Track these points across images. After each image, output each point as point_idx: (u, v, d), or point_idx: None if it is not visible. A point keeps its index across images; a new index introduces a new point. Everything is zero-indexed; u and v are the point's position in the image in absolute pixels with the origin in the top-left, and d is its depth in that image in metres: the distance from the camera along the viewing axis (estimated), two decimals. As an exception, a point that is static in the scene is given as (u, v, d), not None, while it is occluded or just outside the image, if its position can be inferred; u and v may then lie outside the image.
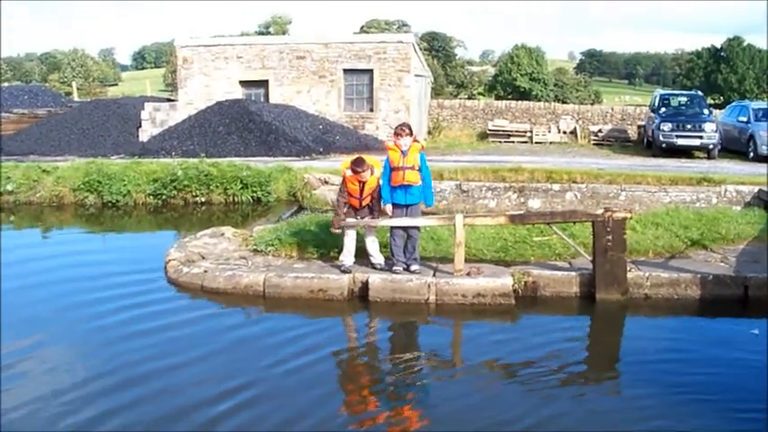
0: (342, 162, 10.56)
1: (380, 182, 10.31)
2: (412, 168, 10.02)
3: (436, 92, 65.93)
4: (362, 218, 10.42)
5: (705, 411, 6.62)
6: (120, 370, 7.54)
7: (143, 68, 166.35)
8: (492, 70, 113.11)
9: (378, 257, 10.57)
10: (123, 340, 8.47)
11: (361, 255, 10.66)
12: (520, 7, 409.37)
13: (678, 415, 6.53)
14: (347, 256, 10.42)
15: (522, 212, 12.35)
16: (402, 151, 10.00)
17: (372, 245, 10.56)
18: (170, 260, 11.19)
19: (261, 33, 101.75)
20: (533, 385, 7.24)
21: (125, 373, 7.45)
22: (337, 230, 10.42)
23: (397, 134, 10.09)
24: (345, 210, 10.33)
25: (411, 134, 10.13)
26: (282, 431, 6.24)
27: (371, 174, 10.17)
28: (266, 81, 29.08)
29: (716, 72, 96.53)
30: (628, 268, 10.06)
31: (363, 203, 10.38)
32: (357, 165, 10.00)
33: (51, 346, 8.38)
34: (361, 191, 10.24)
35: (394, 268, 10.19)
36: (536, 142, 31.95)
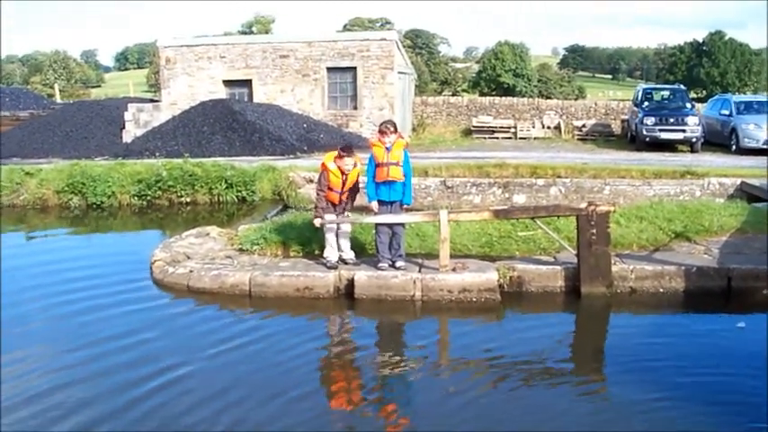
0: (326, 156, 10.54)
1: (362, 178, 10.37)
2: (396, 164, 10.00)
3: (420, 89, 66.01)
4: (338, 215, 10.42)
5: (692, 406, 6.65)
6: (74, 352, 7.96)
7: (126, 69, 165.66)
8: (476, 67, 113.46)
9: (348, 252, 10.58)
10: (87, 326, 8.84)
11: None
12: (504, 3, 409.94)
13: (664, 409, 6.56)
14: (331, 253, 10.41)
15: (506, 207, 12.36)
16: (386, 147, 10.00)
17: (345, 240, 10.57)
18: (155, 260, 11.16)
19: (244, 33, 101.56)
20: (518, 381, 7.24)
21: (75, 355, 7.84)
22: (319, 224, 10.40)
23: (381, 132, 10.07)
24: (324, 204, 10.32)
25: (396, 131, 10.13)
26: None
27: (355, 166, 10.20)
28: (250, 80, 29.01)
29: (698, 66, 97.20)
30: (612, 261, 10.10)
31: (343, 198, 10.38)
32: (346, 150, 10.04)
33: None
34: (343, 183, 10.23)
35: (379, 265, 10.18)
36: (520, 138, 32.04)
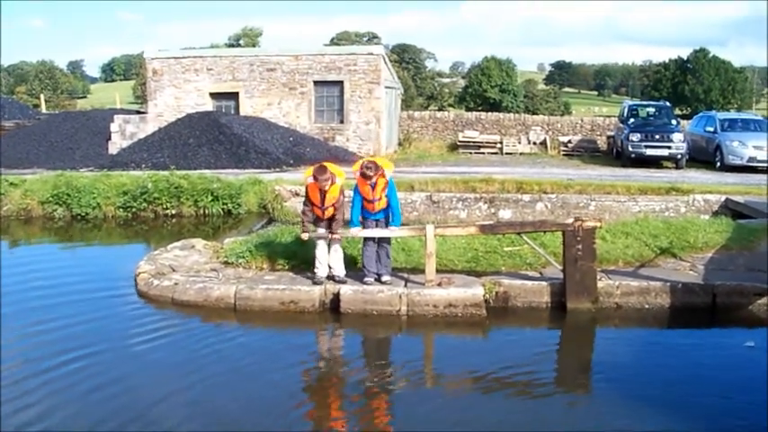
0: (306, 171, 10.48)
1: (344, 197, 10.28)
2: (380, 199, 10.05)
3: (406, 104, 66.20)
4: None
5: (676, 419, 6.66)
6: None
7: (112, 81, 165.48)
8: (462, 82, 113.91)
9: (339, 270, 10.46)
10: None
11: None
12: (489, 19, 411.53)
13: (647, 423, 6.56)
14: (320, 268, 10.36)
15: (492, 223, 12.39)
16: (371, 185, 9.90)
17: (336, 256, 10.46)
18: (140, 273, 11.10)
19: (231, 45, 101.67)
20: (502, 395, 7.25)
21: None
22: (306, 238, 10.35)
23: (364, 176, 9.85)
24: (312, 219, 10.27)
25: (377, 171, 9.88)
26: None
27: (332, 183, 10.05)
28: (236, 93, 28.98)
29: (683, 83, 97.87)
30: (598, 277, 10.12)
31: (326, 214, 10.25)
32: (318, 172, 9.92)
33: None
34: (322, 200, 10.10)
35: (365, 279, 10.17)
36: (506, 153, 32.07)
